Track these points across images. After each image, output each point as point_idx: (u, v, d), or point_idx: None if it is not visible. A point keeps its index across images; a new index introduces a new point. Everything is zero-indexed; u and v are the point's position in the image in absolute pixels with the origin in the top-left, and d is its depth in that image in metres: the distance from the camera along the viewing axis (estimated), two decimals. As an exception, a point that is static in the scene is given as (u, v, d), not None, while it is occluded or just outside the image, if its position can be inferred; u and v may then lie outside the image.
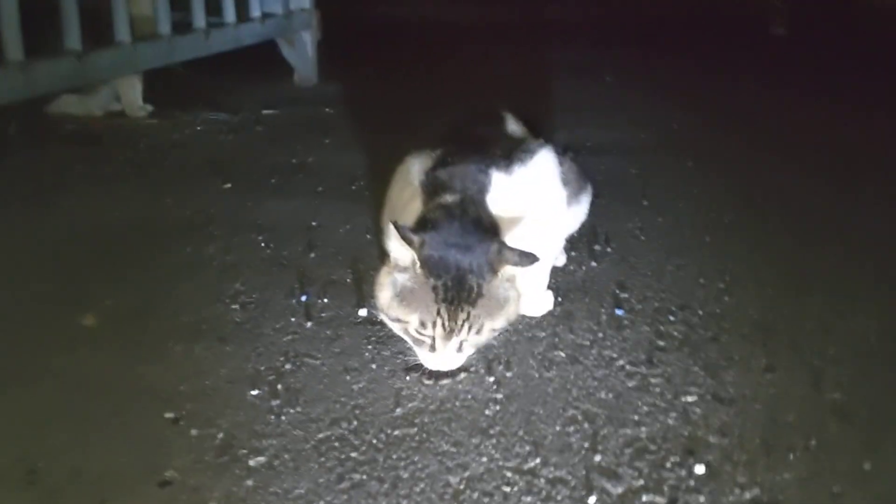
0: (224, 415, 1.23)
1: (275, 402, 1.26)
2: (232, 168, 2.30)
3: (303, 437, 1.19)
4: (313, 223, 1.92)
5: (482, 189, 1.32)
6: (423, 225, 1.26)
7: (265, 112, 2.94)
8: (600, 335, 1.47)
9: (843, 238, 1.91)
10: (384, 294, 1.25)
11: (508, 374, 1.35)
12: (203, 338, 1.43)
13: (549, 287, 1.55)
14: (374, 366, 1.36)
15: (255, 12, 3.11)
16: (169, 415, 1.22)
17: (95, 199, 2.03)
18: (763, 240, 1.90)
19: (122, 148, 2.48)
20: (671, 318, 1.53)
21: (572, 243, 1.74)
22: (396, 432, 1.20)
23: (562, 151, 1.48)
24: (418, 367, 1.31)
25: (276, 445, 1.17)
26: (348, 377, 1.33)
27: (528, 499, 1.08)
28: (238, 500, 1.07)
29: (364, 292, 1.58)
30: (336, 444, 1.17)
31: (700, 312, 1.55)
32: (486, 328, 1.24)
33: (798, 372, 1.36)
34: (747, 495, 1.09)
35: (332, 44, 3.66)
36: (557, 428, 1.21)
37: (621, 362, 1.38)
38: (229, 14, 2.96)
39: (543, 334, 1.47)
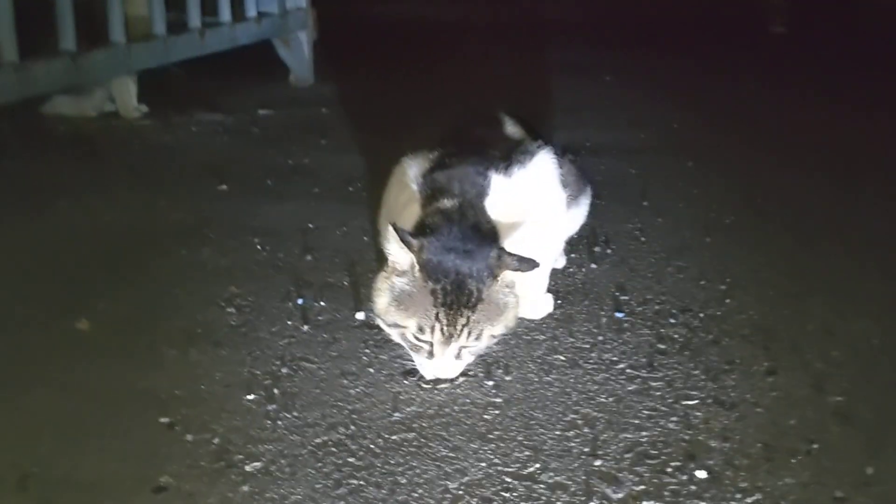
0: (219, 420, 1.21)
1: (271, 407, 1.24)
2: (227, 170, 2.28)
3: (299, 442, 1.17)
4: (310, 225, 1.91)
5: (481, 193, 1.30)
6: (421, 229, 1.25)
7: (261, 113, 2.92)
8: (600, 338, 1.45)
9: (844, 238, 1.90)
10: (382, 299, 1.24)
11: (507, 378, 1.33)
12: (198, 342, 1.41)
13: (549, 290, 1.54)
14: (371, 370, 1.35)
15: (251, 12, 3.10)
16: (164, 420, 1.21)
17: (89, 200, 2.02)
18: (764, 241, 1.89)
19: (117, 149, 2.47)
20: (672, 320, 1.51)
21: (572, 245, 1.73)
22: (394, 437, 1.19)
23: (561, 153, 1.46)
24: (416, 371, 1.30)
25: (273, 451, 1.15)
26: (345, 381, 1.32)
27: (528, 505, 1.07)
28: (233, 507, 1.06)
29: (361, 295, 1.56)
30: (333, 449, 1.16)
31: (701, 315, 1.54)
32: (486, 334, 1.23)
33: (800, 375, 1.35)
34: (749, 500, 1.08)
35: (328, 44, 3.65)
36: (557, 432, 1.20)
37: (621, 366, 1.37)
38: (225, 14, 2.95)
39: (543, 337, 1.45)
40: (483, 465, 1.13)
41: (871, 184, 2.29)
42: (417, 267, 1.19)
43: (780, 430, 1.21)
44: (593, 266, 1.73)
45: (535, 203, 1.38)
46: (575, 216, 1.53)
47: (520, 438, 1.19)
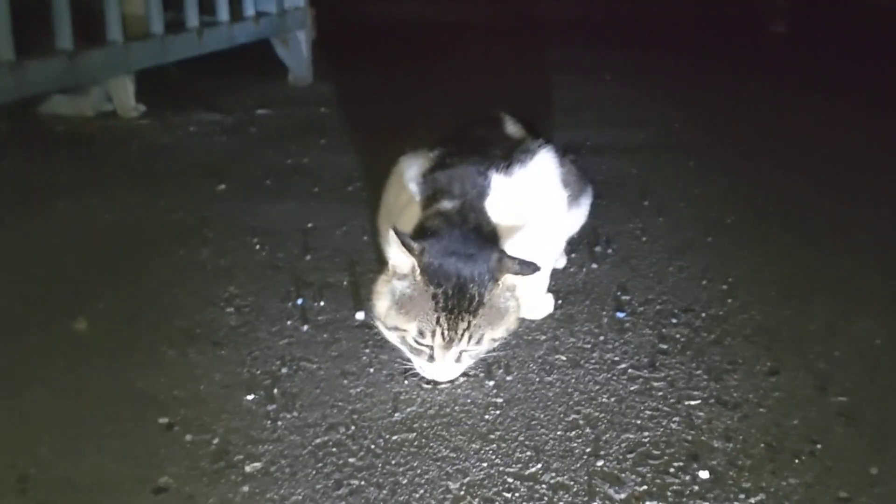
0: (219, 420, 1.20)
1: (271, 407, 1.24)
2: (226, 169, 2.28)
3: (300, 442, 1.16)
4: (309, 225, 1.90)
5: (482, 193, 1.30)
6: (422, 231, 1.24)
7: (259, 112, 2.92)
8: (602, 338, 1.45)
9: (846, 238, 1.90)
10: (382, 303, 1.23)
11: (508, 378, 1.32)
12: (197, 342, 1.40)
13: (550, 290, 1.53)
14: (371, 370, 1.34)
15: (249, 11, 3.09)
16: (163, 420, 1.20)
17: (87, 201, 2.01)
18: (765, 240, 1.89)
19: (114, 149, 2.46)
20: (673, 320, 1.51)
21: (573, 245, 1.72)
22: (395, 437, 1.18)
23: (562, 153, 1.46)
24: (416, 372, 1.29)
25: (273, 451, 1.14)
26: (346, 381, 1.31)
27: (530, 506, 1.06)
28: (233, 509, 1.05)
29: (361, 296, 1.55)
30: (334, 449, 1.15)
31: (703, 315, 1.53)
32: (486, 338, 1.22)
33: (803, 375, 1.34)
34: (752, 501, 1.07)
35: (327, 43, 3.64)
36: (559, 433, 1.19)
37: (623, 366, 1.36)
38: (223, 13, 2.94)
39: (544, 338, 1.45)
40: (484, 465, 1.13)
41: (872, 183, 2.29)
42: (419, 271, 1.19)
43: (783, 431, 1.20)
44: (594, 266, 1.72)
45: (536, 203, 1.37)
46: (576, 216, 1.52)
47: (521, 439, 1.18)
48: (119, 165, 2.31)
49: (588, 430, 1.20)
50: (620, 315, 1.52)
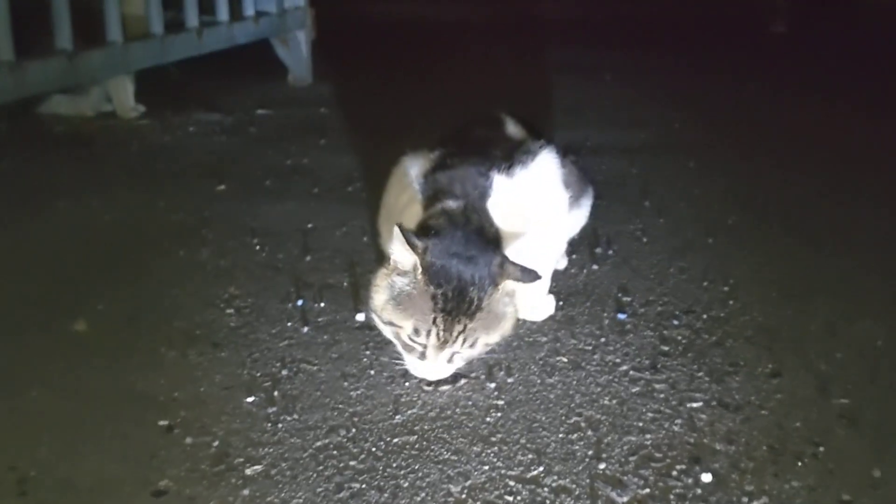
0: (219, 422, 1.20)
1: (271, 410, 1.23)
2: (225, 170, 2.27)
3: (300, 445, 1.16)
4: (309, 226, 1.89)
5: (483, 194, 1.29)
6: (424, 230, 1.24)
7: (259, 113, 2.91)
8: (603, 340, 1.44)
9: (847, 238, 1.89)
10: (380, 296, 1.23)
11: (510, 381, 1.32)
12: (197, 343, 1.40)
13: (551, 291, 1.53)
14: (372, 371, 1.34)
15: (249, 11, 3.09)
16: (163, 422, 1.19)
17: (87, 201, 2.00)
18: (766, 241, 1.88)
19: (114, 149, 2.46)
20: (675, 322, 1.50)
21: (573, 246, 1.71)
22: (396, 440, 1.18)
23: (563, 154, 1.45)
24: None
25: (273, 454, 1.14)
26: (346, 383, 1.30)
27: (532, 509, 1.06)
28: (234, 512, 1.05)
29: (361, 296, 1.55)
30: (334, 452, 1.15)
31: (704, 316, 1.52)
32: (481, 342, 1.22)
33: (804, 377, 1.34)
34: (755, 504, 1.07)
35: (327, 43, 3.64)
36: (560, 435, 1.19)
37: (625, 368, 1.36)
38: (222, 13, 2.94)
39: (545, 339, 1.44)
40: (486, 468, 1.12)
41: (872, 183, 2.29)
42: (420, 269, 1.18)
43: (785, 433, 1.20)
44: (595, 267, 1.72)
45: (538, 204, 1.36)
46: (577, 217, 1.52)
47: (523, 441, 1.18)
48: (119, 166, 2.31)
49: (590, 432, 1.20)
50: (621, 316, 1.52)
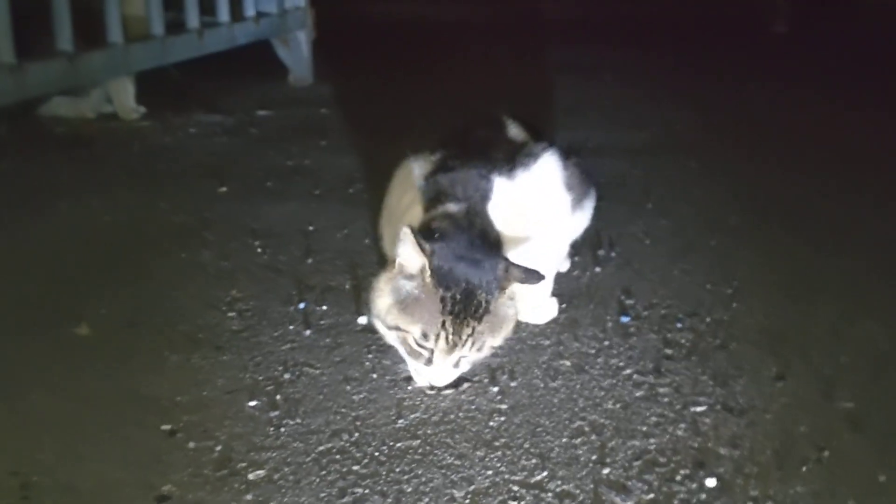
0: (222, 427, 1.19)
1: (274, 414, 1.23)
2: (226, 171, 2.27)
3: (303, 449, 1.15)
4: (310, 227, 1.89)
5: (485, 196, 1.29)
6: (426, 234, 1.23)
7: (260, 113, 2.90)
8: (606, 343, 1.44)
9: (850, 240, 1.89)
10: (383, 300, 1.22)
11: (513, 384, 1.32)
12: (200, 347, 1.39)
13: (554, 294, 1.52)
14: (374, 375, 1.33)
15: (250, 11, 3.08)
16: (165, 427, 1.19)
17: (88, 203, 2.00)
18: (769, 243, 1.88)
19: (115, 151, 2.45)
20: (678, 325, 1.50)
21: (576, 248, 1.71)
22: (399, 444, 1.17)
23: (566, 155, 1.44)
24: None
25: (276, 458, 1.13)
26: (349, 387, 1.30)
27: (536, 514, 1.06)
28: (237, 517, 1.04)
29: (364, 299, 1.54)
30: (337, 456, 1.14)
31: (708, 319, 1.52)
32: (487, 345, 1.22)
33: (809, 380, 1.34)
34: (760, 509, 1.07)
35: (327, 43, 3.63)
36: (564, 440, 1.18)
37: (628, 371, 1.35)
38: (223, 13, 2.93)
39: (548, 342, 1.44)
40: (489, 473, 1.12)
41: (874, 183, 2.28)
42: (429, 272, 1.17)
43: (790, 437, 1.19)
44: (598, 269, 1.71)
45: (540, 206, 1.36)
46: (579, 219, 1.51)
47: (526, 446, 1.17)
48: (119, 167, 2.30)
49: (594, 436, 1.19)
50: (625, 319, 1.51)
